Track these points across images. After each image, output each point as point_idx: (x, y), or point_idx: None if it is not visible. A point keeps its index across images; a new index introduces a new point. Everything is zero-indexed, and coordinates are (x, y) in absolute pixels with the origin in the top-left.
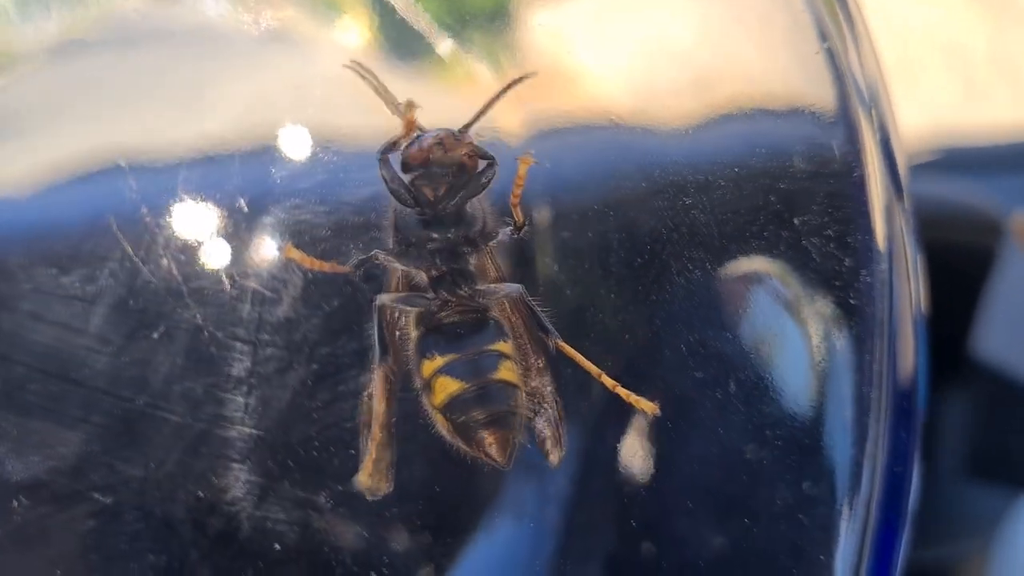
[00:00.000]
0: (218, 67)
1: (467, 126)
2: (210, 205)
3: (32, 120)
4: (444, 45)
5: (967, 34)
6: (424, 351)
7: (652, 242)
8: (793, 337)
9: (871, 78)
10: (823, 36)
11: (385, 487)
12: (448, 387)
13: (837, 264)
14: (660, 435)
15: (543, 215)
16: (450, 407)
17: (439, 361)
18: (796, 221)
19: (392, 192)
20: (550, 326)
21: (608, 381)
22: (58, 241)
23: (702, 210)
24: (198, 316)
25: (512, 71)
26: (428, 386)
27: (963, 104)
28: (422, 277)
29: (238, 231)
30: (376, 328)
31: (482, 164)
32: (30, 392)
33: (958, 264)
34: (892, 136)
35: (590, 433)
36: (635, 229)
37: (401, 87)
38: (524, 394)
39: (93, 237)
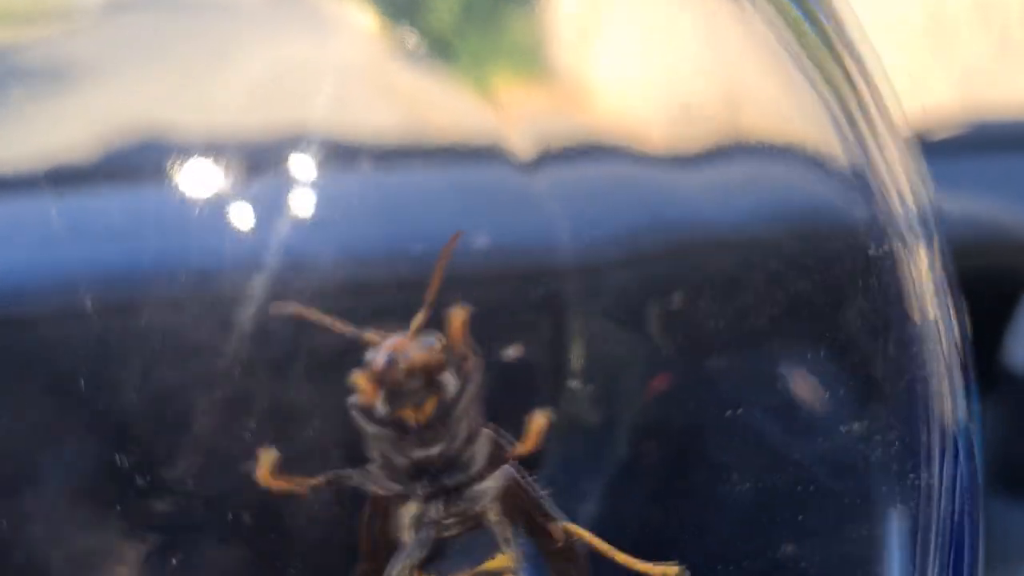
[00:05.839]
0: (235, 39)
1: (424, 318)
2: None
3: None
4: (451, 49)
5: None
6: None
7: (689, 345)
8: (839, 442)
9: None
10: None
11: None
12: None
13: (884, 371)
14: (695, 525)
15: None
16: None
17: None
18: (841, 329)
19: (374, 439)
20: (554, 510)
21: (622, 557)
22: None
23: (738, 315)
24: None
25: (523, 79)
26: None
27: (997, 61)
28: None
29: None
30: None
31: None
32: None
33: (991, 283)
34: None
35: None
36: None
37: (415, 81)
38: None
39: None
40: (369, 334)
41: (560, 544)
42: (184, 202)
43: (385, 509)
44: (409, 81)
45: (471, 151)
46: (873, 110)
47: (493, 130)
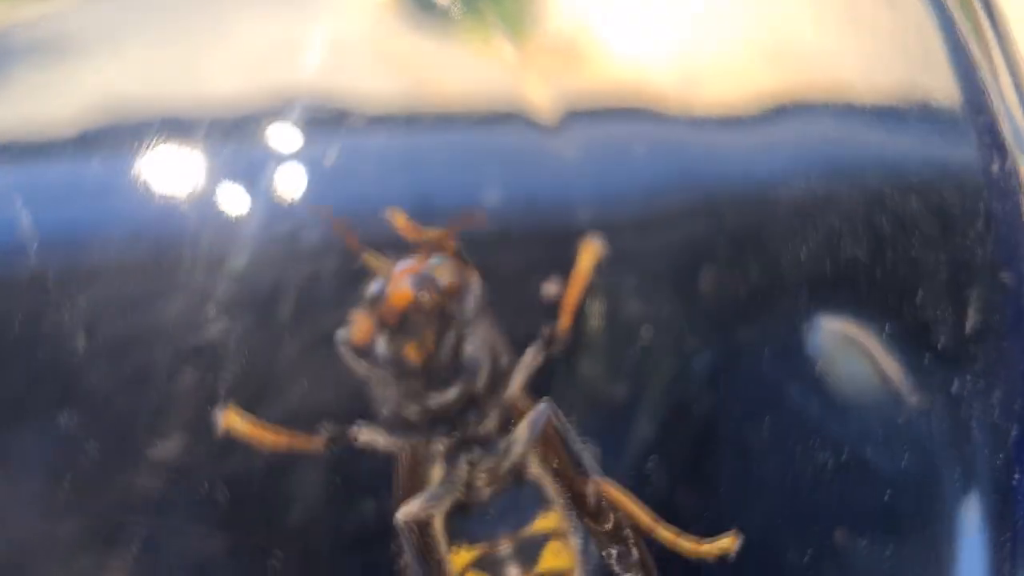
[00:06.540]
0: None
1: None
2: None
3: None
4: (457, 8)
5: None
6: (449, 539)
7: (721, 322)
8: (904, 429)
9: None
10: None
11: None
12: None
13: (967, 350)
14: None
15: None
16: None
17: (466, 555)
18: (914, 289)
19: (371, 380)
20: (590, 465)
21: (666, 534)
22: None
23: (778, 273)
24: None
25: (533, 38)
26: None
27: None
28: (434, 457)
29: None
30: (413, 553)
31: (470, 282)
32: None
33: None
34: None
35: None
36: (698, 303)
37: (422, 45)
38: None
39: None
40: (371, 256)
41: (609, 526)
42: (173, 170)
43: (414, 481)
44: (426, 47)
45: (493, 115)
46: (990, 34)
47: (515, 94)
